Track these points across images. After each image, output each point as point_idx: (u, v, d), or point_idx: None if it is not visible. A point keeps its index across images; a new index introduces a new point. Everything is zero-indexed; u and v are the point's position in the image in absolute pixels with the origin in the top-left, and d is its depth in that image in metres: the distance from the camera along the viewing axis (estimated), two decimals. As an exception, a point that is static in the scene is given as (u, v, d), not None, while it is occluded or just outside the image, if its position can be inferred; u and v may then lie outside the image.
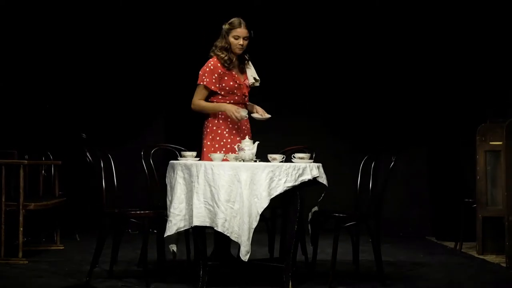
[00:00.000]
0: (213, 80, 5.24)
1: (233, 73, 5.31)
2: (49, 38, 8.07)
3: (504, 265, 5.99)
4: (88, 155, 5.05)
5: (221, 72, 5.26)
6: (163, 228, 4.89)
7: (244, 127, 5.36)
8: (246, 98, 5.38)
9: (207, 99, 5.30)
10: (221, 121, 5.28)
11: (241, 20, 5.31)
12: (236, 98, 5.31)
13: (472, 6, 7.84)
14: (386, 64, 8.34)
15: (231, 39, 5.27)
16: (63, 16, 8.09)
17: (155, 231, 5.37)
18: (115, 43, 8.29)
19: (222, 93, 5.28)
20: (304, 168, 4.79)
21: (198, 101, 5.29)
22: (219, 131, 5.27)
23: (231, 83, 5.28)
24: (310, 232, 5.28)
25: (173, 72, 8.22)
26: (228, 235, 4.64)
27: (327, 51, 8.37)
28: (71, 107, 8.21)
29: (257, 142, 5.00)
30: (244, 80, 5.37)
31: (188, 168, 4.78)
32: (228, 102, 5.27)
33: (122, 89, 8.33)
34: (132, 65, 8.31)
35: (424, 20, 8.15)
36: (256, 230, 4.65)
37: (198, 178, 4.70)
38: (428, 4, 8.07)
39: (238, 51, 5.30)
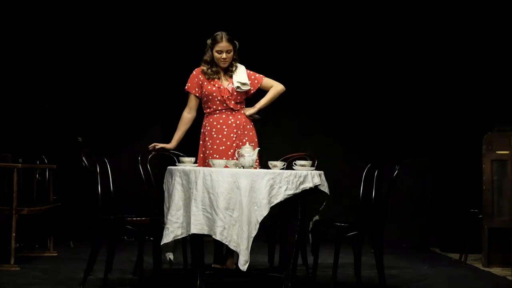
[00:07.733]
0: (194, 84, 5.44)
1: (216, 80, 5.43)
2: (46, 41, 8.08)
3: (510, 278, 5.94)
4: (84, 160, 5.01)
5: (202, 78, 5.43)
6: (160, 235, 4.82)
7: (239, 131, 5.42)
8: (229, 102, 5.41)
9: (200, 107, 5.50)
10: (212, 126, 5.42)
11: (224, 34, 5.40)
12: (217, 102, 5.41)
13: (478, 12, 7.81)
14: (390, 72, 8.33)
15: (215, 54, 5.41)
16: (60, 20, 8.07)
17: (152, 238, 5.28)
18: (113, 46, 8.29)
19: (204, 99, 5.43)
20: (306, 176, 4.73)
21: (182, 114, 5.50)
22: (208, 135, 5.42)
23: (209, 87, 5.41)
24: (311, 241, 5.25)
25: (171, 76, 8.16)
26: (226, 243, 4.59)
27: (329, 58, 8.36)
28: (67, 110, 8.20)
29: (257, 149, 5.02)
30: (228, 84, 5.43)
31: (186, 174, 4.72)
32: (210, 109, 5.43)
33: (120, 93, 8.34)
34: (129, 69, 8.33)
35: (427, 25, 8.13)
36: (256, 239, 4.59)
37: (196, 184, 4.63)
38: (433, 7, 8.02)
39: (222, 65, 5.44)
